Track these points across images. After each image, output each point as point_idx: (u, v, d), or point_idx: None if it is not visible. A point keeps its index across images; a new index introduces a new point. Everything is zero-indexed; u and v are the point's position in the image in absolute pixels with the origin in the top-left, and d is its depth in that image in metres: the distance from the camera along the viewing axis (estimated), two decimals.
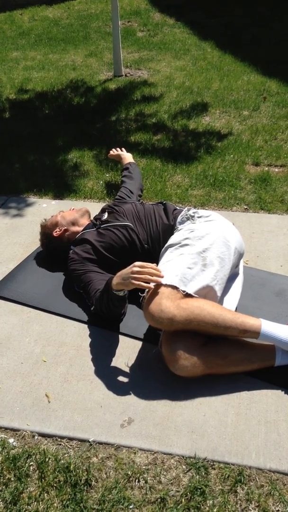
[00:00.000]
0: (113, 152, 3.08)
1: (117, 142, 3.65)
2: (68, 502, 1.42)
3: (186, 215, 2.09)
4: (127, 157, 3.00)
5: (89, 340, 1.96)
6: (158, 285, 1.70)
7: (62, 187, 3.14)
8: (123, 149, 3.10)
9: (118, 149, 3.10)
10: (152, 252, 2.11)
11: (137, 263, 1.71)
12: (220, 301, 1.87)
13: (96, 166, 3.36)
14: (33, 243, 2.56)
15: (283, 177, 3.11)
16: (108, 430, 1.61)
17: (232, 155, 3.40)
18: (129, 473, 1.49)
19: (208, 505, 1.40)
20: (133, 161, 2.98)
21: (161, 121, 3.99)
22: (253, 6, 7.12)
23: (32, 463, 1.53)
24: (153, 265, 1.72)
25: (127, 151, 3.12)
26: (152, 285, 1.68)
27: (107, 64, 5.40)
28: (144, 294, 1.73)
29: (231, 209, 2.83)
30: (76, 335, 1.99)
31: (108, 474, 1.50)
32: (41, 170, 3.35)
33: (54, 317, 2.08)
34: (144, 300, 1.73)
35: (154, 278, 1.67)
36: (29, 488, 1.46)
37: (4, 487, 1.47)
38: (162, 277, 1.70)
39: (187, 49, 5.73)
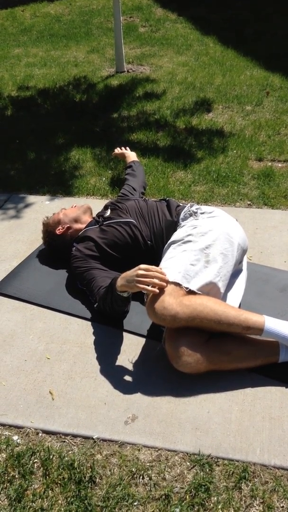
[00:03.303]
0: (118, 150, 3.08)
1: (119, 139, 3.64)
2: (72, 499, 1.42)
3: (189, 211, 2.08)
4: (131, 155, 2.99)
5: (92, 337, 1.96)
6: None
7: (64, 184, 3.13)
8: (127, 147, 3.10)
9: (122, 147, 3.10)
10: (155, 248, 2.10)
11: (142, 266, 1.70)
12: (224, 297, 1.87)
13: (98, 163, 3.36)
14: (36, 241, 2.56)
15: (286, 172, 3.09)
16: (112, 427, 1.61)
17: (235, 151, 3.39)
18: (133, 470, 1.49)
19: (213, 501, 1.40)
20: (137, 159, 2.97)
21: (164, 117, 3.97)
22: (256, 1, 7.08)
23: (36, 460, 1.53)
24: (158, 268, 1.71)
25: (130, 148, 3.12)
26: (156, 289, 1.67)
27: (109, 60, 5.39)
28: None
29: (234, 205, 2.82)
30: (79, 332, 1.99)
31: (112, 471, 1.50)
32: (43, 167, 3.35)
33: (58, 314, 2.08)
34: (147, 297, 1.72)
35: (159, 282, 1.67)
36: (33, 485, 1.47)
37: (8, 484, 1.47)
38: (167, 280, 1.69)
39: (189, 45, 5.70)
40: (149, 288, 1.65)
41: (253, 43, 5.54)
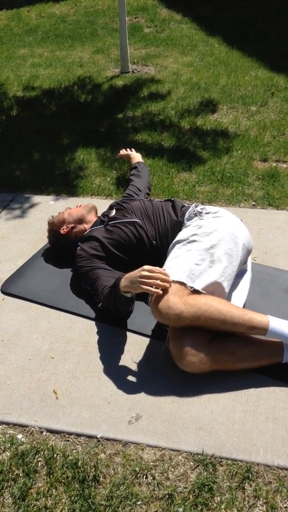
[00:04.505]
0: (123, 152, 3.08)
1: (124, 139, 3.65)
2: (76, 498, 1.42)
3: (194, 211, 2.08)
4: (136, 156, 3.00)
5: (96, 336, 1.96)
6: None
7: (69, 184, 3.14)
8: (132, 149, 3.10)
9: (127, 149, 3.10)
10: (160, 248, 2.10)
11: (146, 267, 1.70)
12: (228, 297, 1.87)
13: (103, 163, 3.36)
14: (41, 240, 2.56)
15: None
16: (115, 426, 1.61)
17: (239, 151, 3.39)
18: (137, 469, 1.49)
19: (216, 501, 1.40)
20: (142, 160, 2.97)
21: (168, 117, 3.97)
22: (260, 1, 7.07)
23: (40, 459, 1.54)
24: (162, 269, 1.71)
25: (134, 148, 3.12)
26: (159, 290, 1.67)
27: (114, 61, 5.40)
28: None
29: (238, 205, 2.82)
30: (83, 331, 1.99)
31: (116, 470, 1.50)
32: (48, 167, 3.35)
33: (62, 314, 2.09)
34: (151, 298, 1.73)
35: (162, 283, 1.67)
36: (37, 484, 1.47)
37: (12, 482, 1.48)
38: (170, 282, 1.69)
39: (194, 45, 5.70)
40: (153, 289, 1.65)
41: (258, 44, 5.54)
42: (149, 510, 1.39)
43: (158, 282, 1.66)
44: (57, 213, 2.47)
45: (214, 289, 1.77)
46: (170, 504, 1.40)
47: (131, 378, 1.78)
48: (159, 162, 3.29)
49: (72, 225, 2.30)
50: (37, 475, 1.50)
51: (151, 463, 1.51)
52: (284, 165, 3.20)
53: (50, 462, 1.52)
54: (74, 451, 1.56)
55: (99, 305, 2.00)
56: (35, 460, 1.53)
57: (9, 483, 1.48)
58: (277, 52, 5.23)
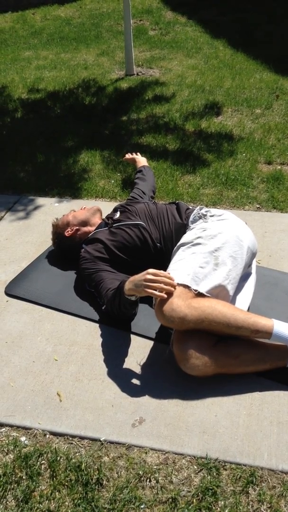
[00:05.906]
0: (128, 156, 3.08)
1: (128, 141, 3.65)
2: (79, 501, 1.42)
3: (198, 214, 2.08)
4: (142, 160, 2.99)
5: (100, 339, 1.96)
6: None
7: (73, 186, 3.14)
8: (138, 153, 3.10)
9: (133, 153, 3.10)
10: (165, 251, 2.10)
11: (150, 271, 1.70)
12: (233, 300, 1.86)
13: (107, 165, 3.36)
14: (45, 242, 2.57)
15: None
16: (119, 429, 1.61)
17: (244, 154, 3.38)
18: (140, 472, 1.49)
19: (220, 505, 1.39)
20: (147, 164, 2.97)
21: (173, 120, 3.98)
22: (266, 3, 7.07)
23: (43, 461, 1.54)
24: (166, 273, 1.71)
25: (139, 150, 3.13)
26: (164, 294, 1.66)
27: (119, 63, 5.41)
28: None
29: (243, 208, 2.82)
30: (87, 334, 1.99)
31: (119, 473, 1.49)
32: (52, 169, 3.36)
33: (66, 316, 2.09)
34: (155, 301, 1.72)
35: (167, 287, 1.66)
36: (40, 487, 1.47)
37: (16, 485, 1.47)
38: (175, 286, 1.69)
39: (199, 48, 5.71)
40: (157, 293, 1.65)
41: (263, 46, 5.54)
42: None
43: (163, 286, 1.66)
44: (61, 215, 2.47)
45: (219, 292, 1.76)
46: (173, 508, 1.39)
47: (134, 381, 1.77)
48: (163, 164, 3.29)
49: (77, 227, 2.30)
50: (40, 477, 1.49)
51: (155, 467, 1.50)
52: None
53: (54, 465, 1.52)
54: (77, 454, 1.55)
55: (103, 308, 2.00)
56: (38, 462, 1.53)
57: (12, 486, 1.47)
58: (282, 55, 5.23)
